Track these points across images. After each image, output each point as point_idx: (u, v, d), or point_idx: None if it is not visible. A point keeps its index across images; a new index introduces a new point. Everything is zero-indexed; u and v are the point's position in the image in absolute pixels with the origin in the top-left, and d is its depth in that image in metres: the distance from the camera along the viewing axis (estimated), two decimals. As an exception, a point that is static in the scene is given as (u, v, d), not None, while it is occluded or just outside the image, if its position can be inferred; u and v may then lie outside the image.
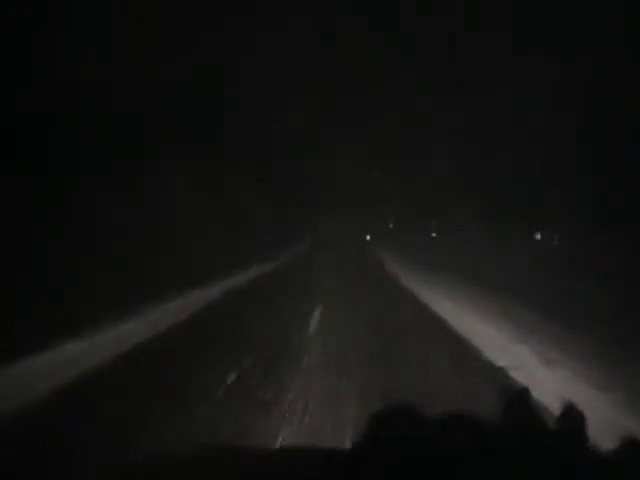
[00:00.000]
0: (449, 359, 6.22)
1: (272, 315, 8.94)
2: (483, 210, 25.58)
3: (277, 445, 3.57)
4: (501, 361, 6.09)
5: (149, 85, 13.93)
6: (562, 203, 19.58)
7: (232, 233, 18.18)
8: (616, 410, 4.49)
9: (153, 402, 4.54)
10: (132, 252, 11.02)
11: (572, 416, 0.70)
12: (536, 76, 19.43)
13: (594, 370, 5.77)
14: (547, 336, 7.58)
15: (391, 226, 59.59)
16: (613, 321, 8.26)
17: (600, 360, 6.18)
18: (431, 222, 42.21)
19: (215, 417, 4.13)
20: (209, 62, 18.02)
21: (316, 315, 8.85)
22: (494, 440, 0.69)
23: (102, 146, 11.43)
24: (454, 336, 7.60)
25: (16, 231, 8.55)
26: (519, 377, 5.37)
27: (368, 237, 53.49)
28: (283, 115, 30.81)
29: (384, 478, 0.67)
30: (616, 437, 0.72)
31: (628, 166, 15.90)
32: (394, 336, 7.50)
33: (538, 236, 25.35)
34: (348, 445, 0.83)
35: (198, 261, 13.89)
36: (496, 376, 5.44)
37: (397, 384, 4.99)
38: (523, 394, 0.73)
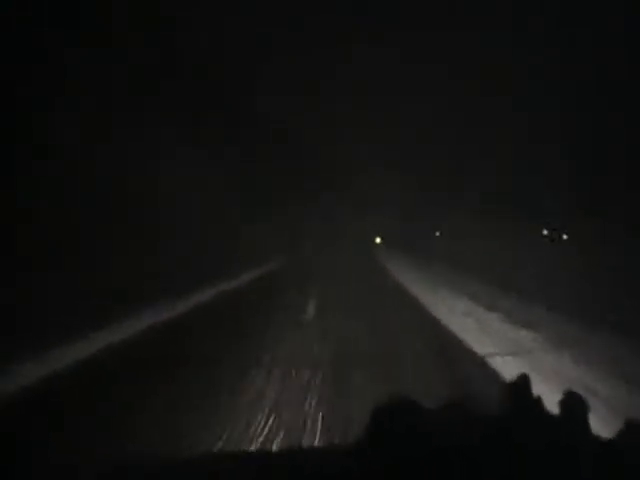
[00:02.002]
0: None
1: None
2: (484, 209, 25.52)
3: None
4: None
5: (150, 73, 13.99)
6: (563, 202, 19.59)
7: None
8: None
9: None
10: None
11: (573, 403, 0.70)
12: (536, 74, 19.51)
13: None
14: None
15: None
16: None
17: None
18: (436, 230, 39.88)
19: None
20: (208, 62, 18.02)
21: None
22: (494, 433, 0.68)
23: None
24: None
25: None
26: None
27: (378, 240, 48.29)
28: (283, 115, 30.81)
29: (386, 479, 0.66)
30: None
31: (629, 167, 15.95)
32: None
33: (545, 232, 25.29)
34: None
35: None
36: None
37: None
38: (523, 381, 0.72)
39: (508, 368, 4.98)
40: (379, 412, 0.68)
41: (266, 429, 3.46)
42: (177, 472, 0.86)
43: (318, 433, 3.40)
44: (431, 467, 0.64)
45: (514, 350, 5.86)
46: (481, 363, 5.20)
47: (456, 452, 0.64)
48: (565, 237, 24.34)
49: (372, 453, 0.67)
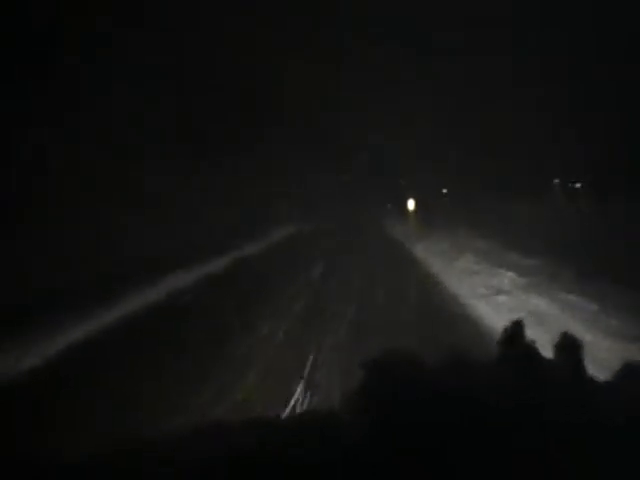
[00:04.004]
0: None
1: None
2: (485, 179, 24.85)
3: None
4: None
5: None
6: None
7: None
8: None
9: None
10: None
11: (568, 347, 0.69)
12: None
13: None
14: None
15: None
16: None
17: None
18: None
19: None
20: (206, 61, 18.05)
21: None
22: (491, 379, 0.67)
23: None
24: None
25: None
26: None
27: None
28: (282, 116, 30.68)
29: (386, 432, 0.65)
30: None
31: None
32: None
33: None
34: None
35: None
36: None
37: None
38: (517, 327, 0.71)
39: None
40: (373, 365, 0.67)
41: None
42: (177, 444, 0.85)
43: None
44: (426, 418, 0.63)
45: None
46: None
47: (452, 402, 0.63)
48: (578, 185, 22.72)
49: (367, 407, 0.67)
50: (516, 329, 0.71)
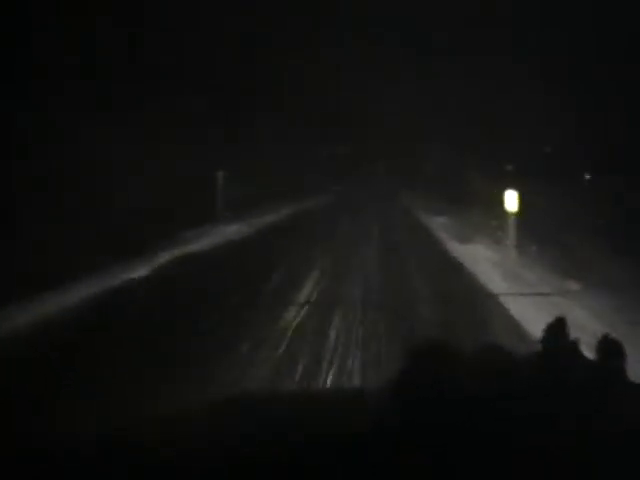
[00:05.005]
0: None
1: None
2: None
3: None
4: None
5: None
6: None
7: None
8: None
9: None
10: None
11: (609, 348, 0.67)
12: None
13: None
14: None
15: None
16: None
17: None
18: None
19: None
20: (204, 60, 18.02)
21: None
22: (529, 376, 0.65)
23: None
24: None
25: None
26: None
27: None
28: (283, 116, 30.65)
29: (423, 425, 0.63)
30: None
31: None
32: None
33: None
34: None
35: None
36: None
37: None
38: (559, 324, 0.69)
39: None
40: (409, 356, 0.65)
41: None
42: (177, 432, 0.83)
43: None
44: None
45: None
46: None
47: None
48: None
49: (400, 396, 0.65)
50: (559, 326, 0.68)
